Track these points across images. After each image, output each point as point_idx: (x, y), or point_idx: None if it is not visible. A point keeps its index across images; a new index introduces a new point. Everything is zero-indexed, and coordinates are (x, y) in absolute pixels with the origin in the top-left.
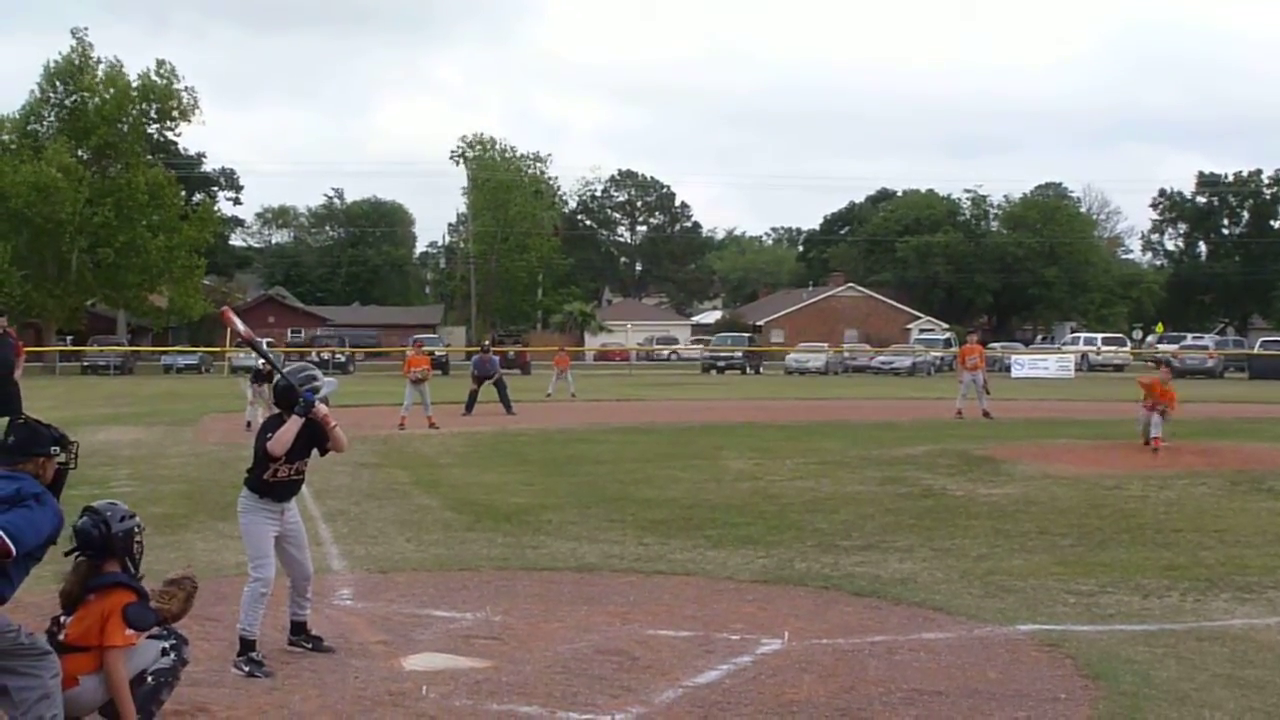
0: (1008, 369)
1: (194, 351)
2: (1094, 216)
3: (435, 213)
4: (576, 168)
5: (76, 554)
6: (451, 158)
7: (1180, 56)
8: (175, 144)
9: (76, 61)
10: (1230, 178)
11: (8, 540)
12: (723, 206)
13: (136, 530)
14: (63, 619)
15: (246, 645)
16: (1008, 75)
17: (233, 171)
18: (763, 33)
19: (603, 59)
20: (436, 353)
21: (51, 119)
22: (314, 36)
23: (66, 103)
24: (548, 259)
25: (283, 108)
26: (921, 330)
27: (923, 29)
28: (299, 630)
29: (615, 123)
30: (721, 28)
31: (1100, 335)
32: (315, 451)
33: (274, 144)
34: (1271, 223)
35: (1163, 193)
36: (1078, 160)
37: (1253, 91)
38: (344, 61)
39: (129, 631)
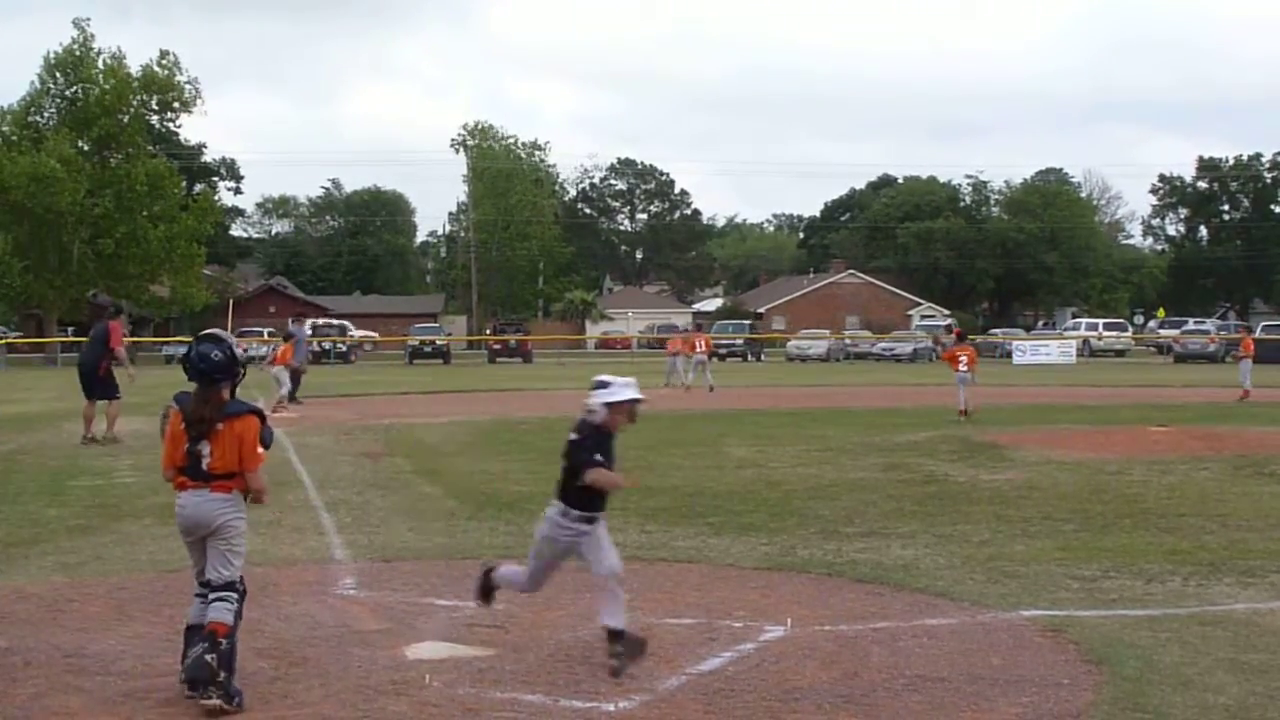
0: (1009, 355)
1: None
2: (1094, 202)
3: (419, 200)
4: (554, 153)
5: (200, 379)
6: (452, 145)
7: (1156, 38)
8: (176, 134)
9: (78, 52)
10: (1230, 161)
11: None
12: (705, 192)
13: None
14: (200, 449)
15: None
16: (983, 59)
17: (233, 162)
18: (731, 16)
19: (565, 42)
20: (438, 341)
21: (51, 110)
22: (276, 22)
23: (67, 94)
24: (549, 247)
25: (251, 94)
26: (923, 316)
27: (896, 13)
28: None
29: (587, 108)
30: (688, 10)
31: (1102, 320)
32: None
33: (247, 131)
34: (1272, 206)
35: (1163, 178)
36: (1058, 144)
37: (1230, 72)
38: (309, 47)
39: (261, 451)
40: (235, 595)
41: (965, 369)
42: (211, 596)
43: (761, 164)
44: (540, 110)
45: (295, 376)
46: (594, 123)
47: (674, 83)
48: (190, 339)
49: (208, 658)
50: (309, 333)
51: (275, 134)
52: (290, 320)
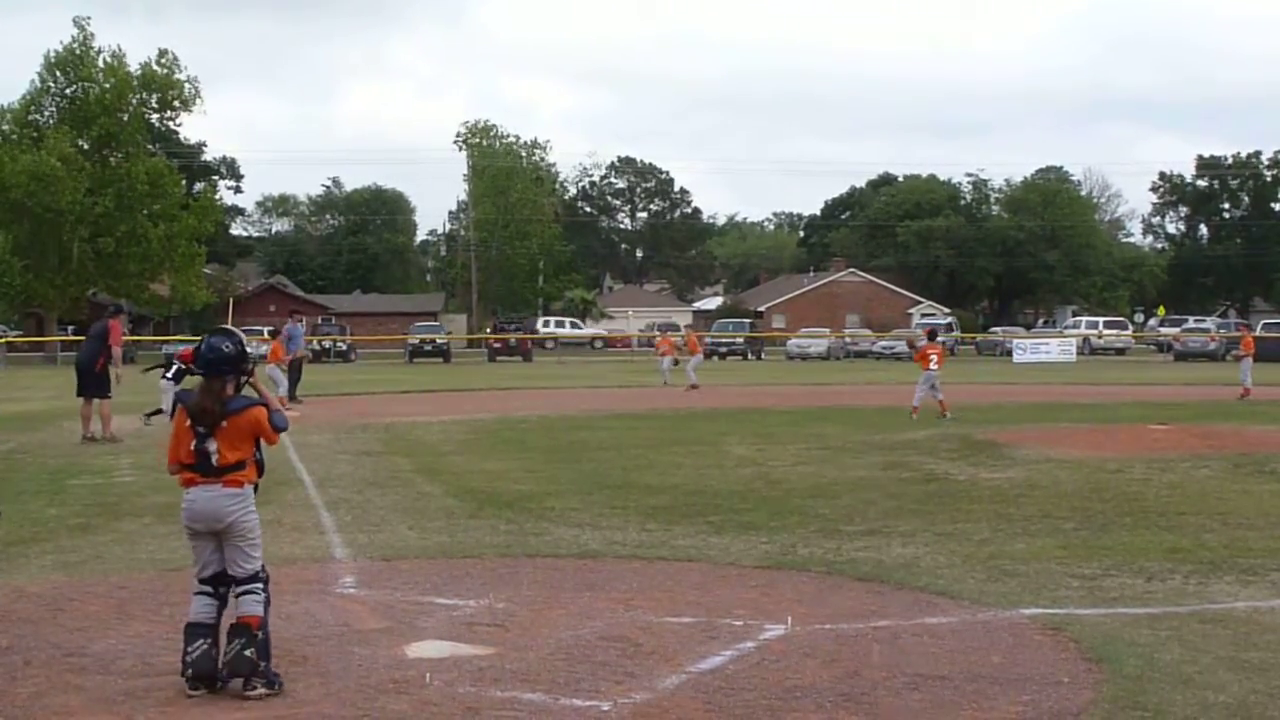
0: (1009, 353)
1: (195, 340)
2: (1094, 200)
3: (419, 199)
4: (553, 152)
5: (207, 369)
6: (455, 143)
7: (1155, 37)
8: (176, 133)
9: (78, 51)
10: (1230, 159)
11: None
12: (705, 190)
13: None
14: (209, 446)
15: None
16: (983, 58)
17: (233, 160)
18: (730, 16)
19: (560, 40)
20: (438, 340)
21: (51, 109)
22: (274, 21)
23: (67, 92)
24: (549, 246)
25: (250, 93)
26: (923, 315)
27: (896, 13)
28: None
29: (584, 106)
30: (687, 9)
31: (1102, 318)
32: None
33: (247, 130)
34: (1273, 205)
35: (1163, 176)
36: (1058, 142)
37: (1230, 72)
38: (306, 46)
39: (275, 435)
40: (261, 585)
41: (936, 367)
42: (238, 591)
43: (761, 162)
44: (537, 109)
45: (296, 369)
46: (591, 121)
47: (672, 81)
48: (189, 338)
49: (246, 652)
50: (303, 329)
51: (274, 133)
52: (290, 316)
